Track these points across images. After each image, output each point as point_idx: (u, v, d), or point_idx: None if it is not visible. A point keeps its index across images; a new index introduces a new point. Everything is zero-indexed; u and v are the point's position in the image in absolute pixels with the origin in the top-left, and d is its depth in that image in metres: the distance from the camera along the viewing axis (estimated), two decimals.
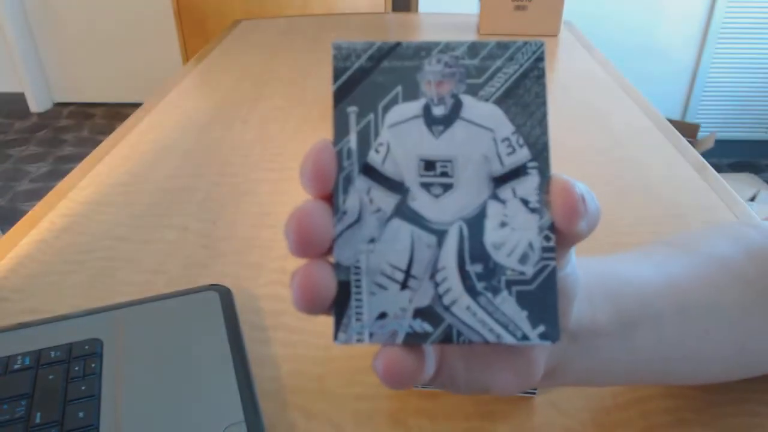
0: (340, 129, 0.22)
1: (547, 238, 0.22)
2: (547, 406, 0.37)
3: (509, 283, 0.22)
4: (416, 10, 2.39)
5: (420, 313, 0.21)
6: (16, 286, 0.49)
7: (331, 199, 0.21)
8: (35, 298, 0.47)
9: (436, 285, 0.21)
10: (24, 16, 3.00)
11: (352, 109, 0.22)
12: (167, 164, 0.69)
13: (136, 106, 3.19)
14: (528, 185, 0.22)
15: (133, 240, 0.55)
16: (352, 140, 0.22)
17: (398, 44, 0.22)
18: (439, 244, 0.22)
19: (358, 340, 0.21)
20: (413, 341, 0.21)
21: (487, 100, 0.22)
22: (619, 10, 2.40)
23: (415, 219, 0.22)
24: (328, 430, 0.36)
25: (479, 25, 1.23)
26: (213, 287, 0.46)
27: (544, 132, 0.22)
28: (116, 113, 3.16)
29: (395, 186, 0.22)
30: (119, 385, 0.37)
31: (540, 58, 0.23)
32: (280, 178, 0.65)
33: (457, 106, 0.22)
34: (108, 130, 2.96)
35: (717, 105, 2.57)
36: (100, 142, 2.82)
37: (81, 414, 0.35)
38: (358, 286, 0.21)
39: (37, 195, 2.38)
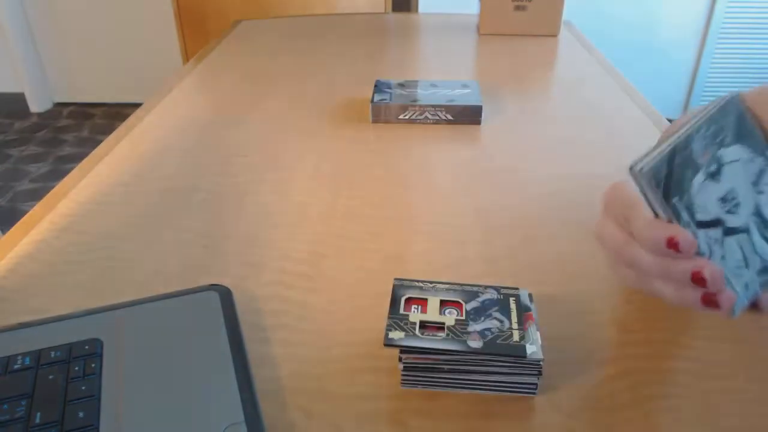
0: (678, 212, 0.34)
1: None
2: (547, 406, 0.37)
3: None
4: (416, 10, 2.40)
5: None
6: (16, 286, 0.49)
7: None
8: (35, 298, 0.47)
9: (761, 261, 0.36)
10: (24, 16, 3.00)
11: (676, 199, 0.34)
12: (167, 164, 0.69)
13: (136, 106, 3.19)
14: None
15: (133, 240, 0.55)
16: (685, 215, 0.34)
17: (675, 146, 0.34)
18: (750, 237, 0.36)
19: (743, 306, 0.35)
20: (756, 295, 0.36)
21: (729, 145, 0.36)
22: (619, 10, 2.40)
23: (733, 231, 0.35)
24: (328, 430, 0.36)
25: (479, 25, 1.23)
26: (213, 287, 0.46)
27: (764, 142, 0.37)
28: (116, 113, 3.16)
29: (714, 222, 0.35)
30: (119, 385, 0.37)
31: (734, 102, 0.36)
32: (280, 178, 0.65)
33: (720, 159, 0.35)
34: (108, 130, 2.96)
35: None
36: (100, 142, 2.82)
37: (81, 414, 0.35)
38: (734, 284, 0.35)
39: (37, 195, 2.38)
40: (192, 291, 0.45)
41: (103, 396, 0.36)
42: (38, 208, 0.60)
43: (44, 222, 0.58)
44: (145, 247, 0.54)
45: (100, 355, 0.39)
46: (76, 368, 0.38)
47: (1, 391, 0.36)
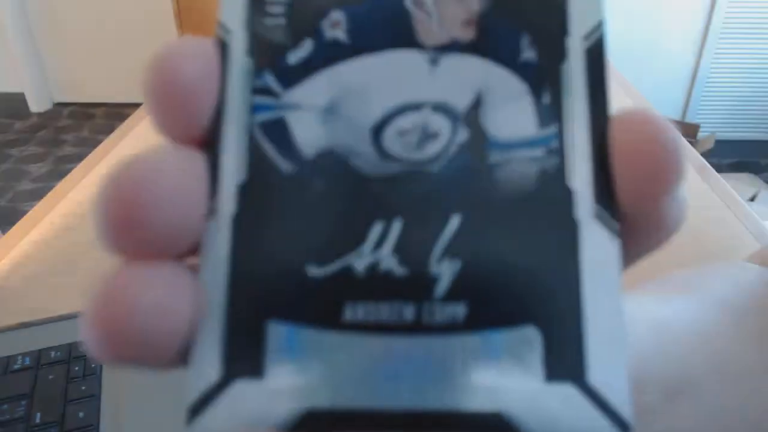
0: None
1: None
2: None
3: None
4: None
5: None
6: (16, 286, 0.49)
7: None
8: (35, 298, 0.47)
9: None
10: (24, 16, 3.01)
11: None
12: None
13: (136, 106, 3.18)
14: None
15: None
16: None
17: None
18: None
19: None
20: None
21: None
22: (619, 9, 2.41)
23: None
24: None
25: None
26: None
27: None
28: (116, 113, 3.16)
29: None
30: (119, 385, 0.37)
31: None
32: None
33: None
34: (108, 130, 2.96)
35: (717, 105, 2.57)
36: (100, 142, 2.82)
37: (81, 414, 0.35)
38: None
39: (37, 195, 2.38)
40: None
41: (103, 396, 0.36)
42: (38, 208, 0.60)
43: (44, 222, 0.58)
44: None
45: None
46: (76, 368, 0.38)
47: (1, 391, 0.36)
